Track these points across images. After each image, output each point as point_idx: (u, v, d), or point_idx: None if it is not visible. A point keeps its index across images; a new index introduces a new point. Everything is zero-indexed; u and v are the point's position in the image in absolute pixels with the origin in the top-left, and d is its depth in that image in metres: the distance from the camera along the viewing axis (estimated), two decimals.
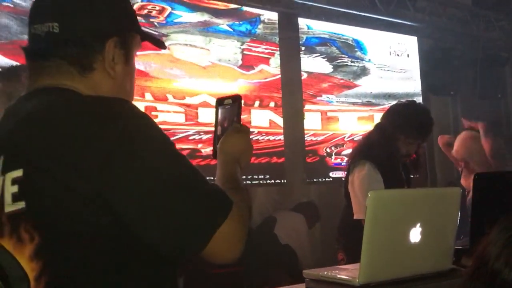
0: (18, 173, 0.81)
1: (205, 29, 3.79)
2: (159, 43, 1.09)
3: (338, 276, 1.34)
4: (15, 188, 0.81)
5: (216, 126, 1.18)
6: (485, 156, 2.82)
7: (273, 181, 3.98)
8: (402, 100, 3.16)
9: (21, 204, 0.81)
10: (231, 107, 1.16)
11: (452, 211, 1.39)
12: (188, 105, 3.68)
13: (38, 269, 0.80)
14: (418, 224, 1.30)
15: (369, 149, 2.39)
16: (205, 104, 3.74)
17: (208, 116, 3.69)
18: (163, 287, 0.89)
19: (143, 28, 1.07)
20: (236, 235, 0.87)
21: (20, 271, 0.80)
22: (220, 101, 1.19)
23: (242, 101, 1.16)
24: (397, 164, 2.39)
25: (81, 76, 0.93)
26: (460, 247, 1.51)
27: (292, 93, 4.18)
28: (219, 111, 1.17)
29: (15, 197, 0.81)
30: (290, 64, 4.21)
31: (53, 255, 0.80)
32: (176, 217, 0.81)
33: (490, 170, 2.68)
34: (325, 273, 1.39)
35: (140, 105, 3.33)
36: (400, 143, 2.37)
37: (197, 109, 3.71)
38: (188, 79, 3.68)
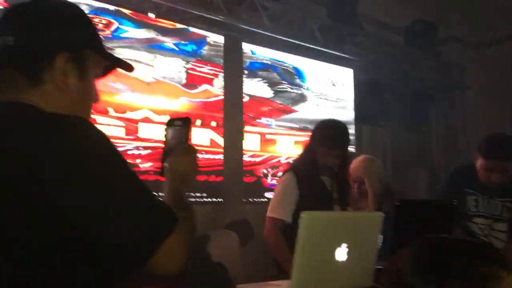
0: None
1: (151, 46, 3.84)
2: (125, 65, 1.15)
3: None
4: None
5: (165, 145, 1.26)
6: (379, 179, 2.87)
7: (210, 199, 4.05)
8: None
9: None
10: (180, 128, 1.23)
11: (374, 233, 1.53)
12: (128, 120, 3.69)
13: None
14: (344, 245, 1.42)
15: (294, 162, 2.73)
16: (146, 120, 3.76)
17: (148, 131, 3.72)
18: None
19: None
20: (180, 248, 0.95)
21: None
22: (171, 122, 1.26)
23: (191, 124, 1.25)
24: (315, 174, 2.56)
25: (33, 88, 0.98)
26: (380, 267, 1.65)
27: (233, 114, 4.29)
28: (169, 131, 1.25)
29: None
30: (233, 86, 4.33)
31: (4, 262, 0.84)
32: (127, 229, 0.88)
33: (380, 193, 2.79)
34: None
35: None
36: (318, 154, 2.54)
37: (137, 124, 3.73)
38: (130, 93, 3.70)
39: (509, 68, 6.23)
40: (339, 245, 1.42)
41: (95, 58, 1.08)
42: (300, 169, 2.57)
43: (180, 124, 1.23)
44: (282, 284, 1.52)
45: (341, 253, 1.43)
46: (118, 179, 0.91)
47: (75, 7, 1.10)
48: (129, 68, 1.17)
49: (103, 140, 0.93)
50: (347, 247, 1.43)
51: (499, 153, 2.48)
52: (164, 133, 1.24)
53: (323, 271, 1.42)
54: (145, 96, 3.76)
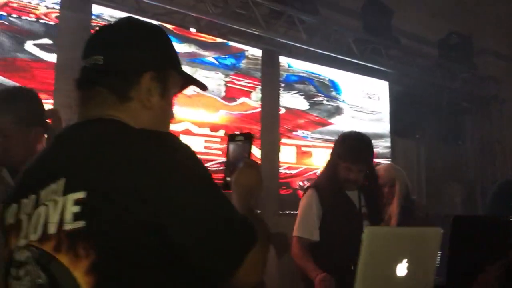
0: (80, 195, 0.90)
1: (192, 60, 3.93)
2: (200, 85, 1.21)
3: None
4: (76, 208, 0.90)
5: (227, 159, 1.30)
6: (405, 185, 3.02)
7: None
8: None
9: (81, 223, 0.89)
10: (242, 143, 1.27)
11: (433, 249, 1.53)
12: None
13: (92, 283, 0.88)
14: (405, 260, 1.43)
15: (317, 178, 2.63)
16: (187, 132, 3.83)
17: (189, 143, 3.78)
18: None
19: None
20: (260, 260, 0.98)
21: (74, 283, 0.88)
22: (232, 137, 1.30)
23: (253, 139, 1.29)
24: (339, 189, 2.47)
25: (120, 105, 1.03)
26: (439, 284, 1.65)
27: (270, 127, 4.34)
28: (231, 145, 1.29)
29: (76, 217, 0.90)
30: (270, 98, 4.38)
31: (107, 272, 0.89)
32: (218, 243, 0.92)
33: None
34: None
35: None
36: (340, 168, 2.44)
37: (179, 136, 3.80)
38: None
39: None
40: (400, 260, 1.43)
41: (175, 77, 1.13)
42: (322, 185, 2.49)
43: (242, 140, 1.27)
44: None
45: (402, 268, 1.43)
46: (206, 194, 0.95)
47: (159, 29, 1.16)
48: (203, 87, 1.23)
49: (193, 153, 0.97)
50: (408, 262, 1.43)
51: None
52: (227, 148, 1.28)
53: (385, 285, 1.43)
54: (186, 108, 3.83)
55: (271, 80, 4.43)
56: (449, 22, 5.93)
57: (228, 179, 1.20)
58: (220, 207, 0.95)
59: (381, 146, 5.44)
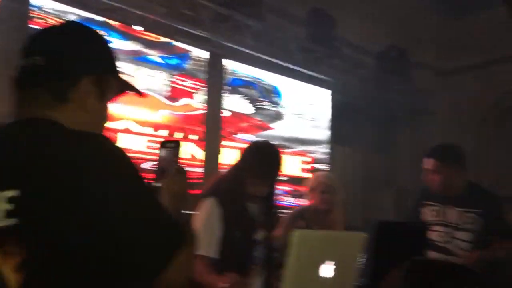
0: (14, 192, 0.91)
1: (136, 58, 3.90)
2: (137, 92, 1.25)
3: None
4: (9, 206, 0.91)
5: (158, 165, 1.35)
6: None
7: (189, 212, 4.10)
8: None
9: (13, 221, 0.91)
10: (173, 150, 1.33)
11: (357, 252, 1.64)
12: (109, 129, 3.72)
13: (21, 280, 0.89)
14: (329, 261, 1.53)
15: (217, 186, 2.36)
16: (127, 131, 3.80)
17: (128, 142, 3.76)
18: None
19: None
20: (188, 262, 1.03)
21: (1, 280, 0.90)
22: (164, 144, 1.35)
23: (180, 146, 1.35)
24: (243, 203, 2.34)
25: (58, 106, 1.06)
26: (360, 284, 1.76)
27: (213, 129, 4.38)
28: (162, 152, 1.34)
29: (8, 214, 0.91)
30: (214, 101, 4.42)
31: (37, 269, 0.90)
32: (149, 242, 0.96)
33: None
34: None
35: None
36: (249, 182, 2.30)
37: (117, 134, 3.76)
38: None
39: (473, 95, 6.55)
40: (325, 262, 1.52)
41: (113, 82, 1.17)
42: (224, 195, 2.30)
43: (172, 146, 1.32)
44: None
45: (327, 270, 1.53)
46: (138, 194, 0.99)
47: (99, 34, 1.19)
48: (140, 94, 1.27)
49: (125, 155, 1.01)
50: (333, 264, 1.53)
51: (435, 152, 2.88)
52: (159, 154, 1.33)
53: (310, 285, 1.52)
54: (128, 107, 3.80)
55: (216, 83, 4.47)
56: (390, 33, 6.20)
57: (158, 184, 1.24)
58: (150, 207, 0.99)
59: (319, 152, 5.62)
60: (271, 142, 2.54)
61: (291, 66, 4.85)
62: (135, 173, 1.01)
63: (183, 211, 1.20)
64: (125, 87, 1.23)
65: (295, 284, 1.48)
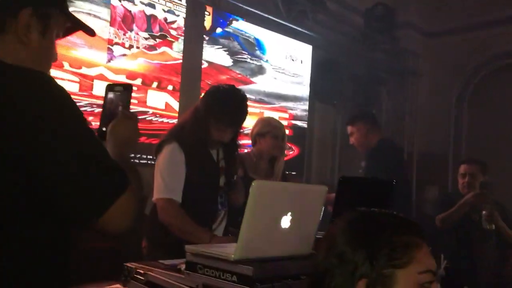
0: None
1: (111, 2, 3.75)
2: (87, 29, 1.18)
3: (216, 251, 1.51)
4: None
5: (104, 109, 1.29)
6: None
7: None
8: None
9: None
10: (121, 94, 1.27)
11: (317, 205, 1.63)
12: (83, 76, 3.62)
13: None
14: (289, 213, 1.52)
15: (180, 131, 2.30)
16: (101, 77, 3.70)
17: (103, 89, 3.66)
18: (58, 245, 0.99)
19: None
20: (130, 208, 1.01)
21: None
22: (111, 87, 1.29)
23: (132, 91, 1.29)
24: (206, 148, 2.31)
25: None
26: (321, 236, 1.76)
27: (191, 80, 4.29)
28: (109, 95, 1.28)
29: None
30: (193, 51, 4.31)
31: None
32: (86, 185, 0.93)
33: None
34: (205, 249, 1.55)
35: None
36: (213, 128, 2.27)
37: (92, 81, 3.67)
38: (87, 49, 3.62)
39: (459, 59, 6.52)
40: (285, 214, 1.51)
41: (59, 17, 1.10)
42: (187, 140, 2.26)
43: (121, 90, 1.27)
44: (228, 246, 1.60)
45: (286, 221, 1.52)
46: (78, 136, 0.95)
47: None
48: (91, 32, 1.20)
49: (65, 95, 0.96)
50: (292, 215, 1.52)
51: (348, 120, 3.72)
52: (104, 97, 1.27)
53: (268, 236, 1.51)
54: (101, 52, 3.69)
55: (195, 32, 4.34)
56: None
57: (104, 129, 1.20)
58: (91, 150, 0.95)
59: (299, 109, 5.58)
60: (237, 88, 2.49)
61: (274, 19, 4.73)
62: (78, 115, 0.97)
63: (128, 157, 1.17)
64: (74, 25, 1.16)
65: (253, 235, 1.47)
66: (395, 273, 0.92)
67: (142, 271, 1.73)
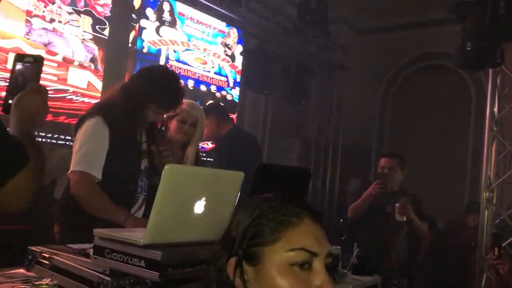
0: None
1: None
2: None
3: (125, 235, 1.46)
4: None
5: (11, 80, 1.20)
6: None
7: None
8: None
9: None
10: (31, 65, 1.19)
11: (233, 190, 1.62)
12: None
13: None
14: (203, 198, 1.49)
15: (107, 107, 2.21)
16: (18, 51, 3.47)
17: None
18: None
19: None
20: (28, 188, 0.94)
21: None
22: (20, 57, 1.20)
23: (42, 63, 1.21)
24: (135, 130, 2.25)
25: None
26: None
27: (116, 60, 4.13)
28: (17, 66, 1.19)
29: None
30: (119, 30, 4.15)
31: None
32: None
33: None
34: (113, 233, 1.50)
35: None
36: (149, 110, 2.23)
37: (7, 54, 3.44)
38: (3, 19, 3.38)
39: (386, 57, 6.77)
40: (199, 199, 1.49)
41: None
42: (116, 117, 2.16)
43: (31, 61, 1.18)
44: (139, 230, 1.56)
45: (199, 206, 1.49)
46: None
47: None
48: None
49: None
50: (206, 200, 1.50)
51: None
52: (12, 68, 1.18)
53: (180, 221, 1.48)
54: (20, 24, 3.46)
55: (123, 11, 4.18)
56: None
57: (10, 101, 1.12)
58: None
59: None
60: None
61: (206, 3, 4.66)
62: None
63: (31, 133, 1.09)
64: None
65: (164, 220, 1.43)
66: (262, 250, 0.91)
67: (47, 255, 1.64)
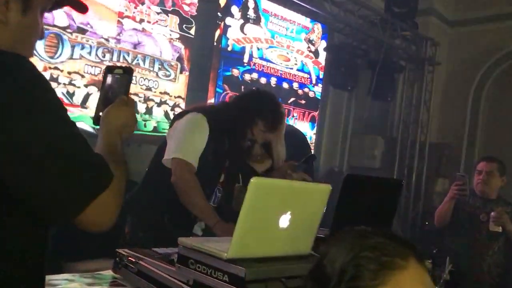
0: None
1: None
2: (77, 4, 1.08)
3: (209, 247, 1.44)
4: None
5: (102, 93, 1.20)
6: None
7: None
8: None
9: None
10: (121, 77, 1.18)
11: (319, 204, 1.55)
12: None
13: None
14: (289, 212, 1.44)
15: (213, 111, 2.25)
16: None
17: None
18: (34, 245, 0.92)
19: None
20: (111, 207, 0.92)
21: None
22: (110, 69, 1.20)
23: (132, 74, 1.20)
24: (243, 143, 2.27)
25: None
26: (322, 235, 1.69)
27: (201, 58, 4.18)
28: (108, 78, 1.19)
29: None
30: (205, 28, 4.20)
31: None
32: (57, 182, 0.84)
33: None
34: (198, 243, 1.48)
35: None
36: (255, 128, 2.26)
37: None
38: (97, 20, 3.53)
39: (480, 50, 6.32)
40: (284, 213, 1.43)
41: None
42: (219, 120, 2.19)
43: (120, 73, 1.18)
44: (225, 241, 1.53)
45: (285, 220, 1.44)
46: (50, 128, 0.85)
47: None
48: (81, 8, 1.10)
49: (40, 81, 0.87)
50: (291, 215, 1.44)
51: None
52: (103, 80, 1.19)
53: (265, 235, 1.43)
54: (111, 26, 3.60)
55: (209, 10, 4.22)
56: None
57: (100, 114, 1.12)
58: (66, 143, 0.86)
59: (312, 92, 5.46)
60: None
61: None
62: (55, 104, 0.87)
63: (119, 147, 1.08)
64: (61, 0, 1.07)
65: (249, 234, 1.39)
66: None
67: (133, 259, 1.67)
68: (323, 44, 5.42)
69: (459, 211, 3.27)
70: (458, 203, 3.25)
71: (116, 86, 1.16)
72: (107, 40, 3.52)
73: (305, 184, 1.56)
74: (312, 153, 3.39)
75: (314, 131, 5.36)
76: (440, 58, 6.35)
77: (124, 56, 3.50)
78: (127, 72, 1.17)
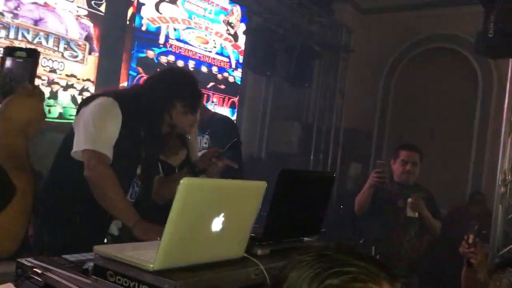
0: None
1: None
2: None
3: (132, 257, 1.26)
4: None
5: (1, 80, 0.96)
6: None
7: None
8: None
9: None
10: (24, 61, 0.96)
11: (254, 203, 1.42)
12: None
13: None
14: (222, 214, 1.29)
15: (124, 95, 2.06)
16: None
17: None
18: None
19: None
20: (13, 231, 0.72)
21: None
22: (10, 51, 0.97)
23: (38, 58, 0.97)
24: (160, 129, 2.08)
25: None
26: (253, 234, 1.56)
27: (113, 39, 3.87)
28: (7, 62, 0.96)
29: None
30: (116, 6, 3.88)
31: None
32: None
33: None
34: (118, 253, 1.29)
35: None
36: (174, 110, 2.05)
37: None
38: None
39: (391, 38, 6.54)
40: (217, 215, 1.29)
41: None
42: (132, 105, 1.99)
43: (23, 56, 0.95)
44: (149, 247, 1.36)
45: (218, 223, 1.30)
46: None
47: None
48: None
49: None
50: (225, 216, 1.30)
51: None
52: (0, 64, 0.95)
53: (196, 241, 1.28)
54: None
55: None
56: None
57: None
58: None
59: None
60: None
61: None
62: None
63: (22, 150, 0.85)
64: None
65: (178, 242, 1.23)
66: None
67: (39, 271, 1.43)
68: (242, 27, 5.28)
69: (378, 197, 3.31)
70: (376, 190, 3.29)
71: (17, 72, 0.93)
72: (1, 14, 3.10)
73: (239, 182, 1.42)
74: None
75: (234, 117, 5.24)
76: (354, 46, 6.48)
77: (23, 33, 3.11)
78: (32, 55, 0.94)
